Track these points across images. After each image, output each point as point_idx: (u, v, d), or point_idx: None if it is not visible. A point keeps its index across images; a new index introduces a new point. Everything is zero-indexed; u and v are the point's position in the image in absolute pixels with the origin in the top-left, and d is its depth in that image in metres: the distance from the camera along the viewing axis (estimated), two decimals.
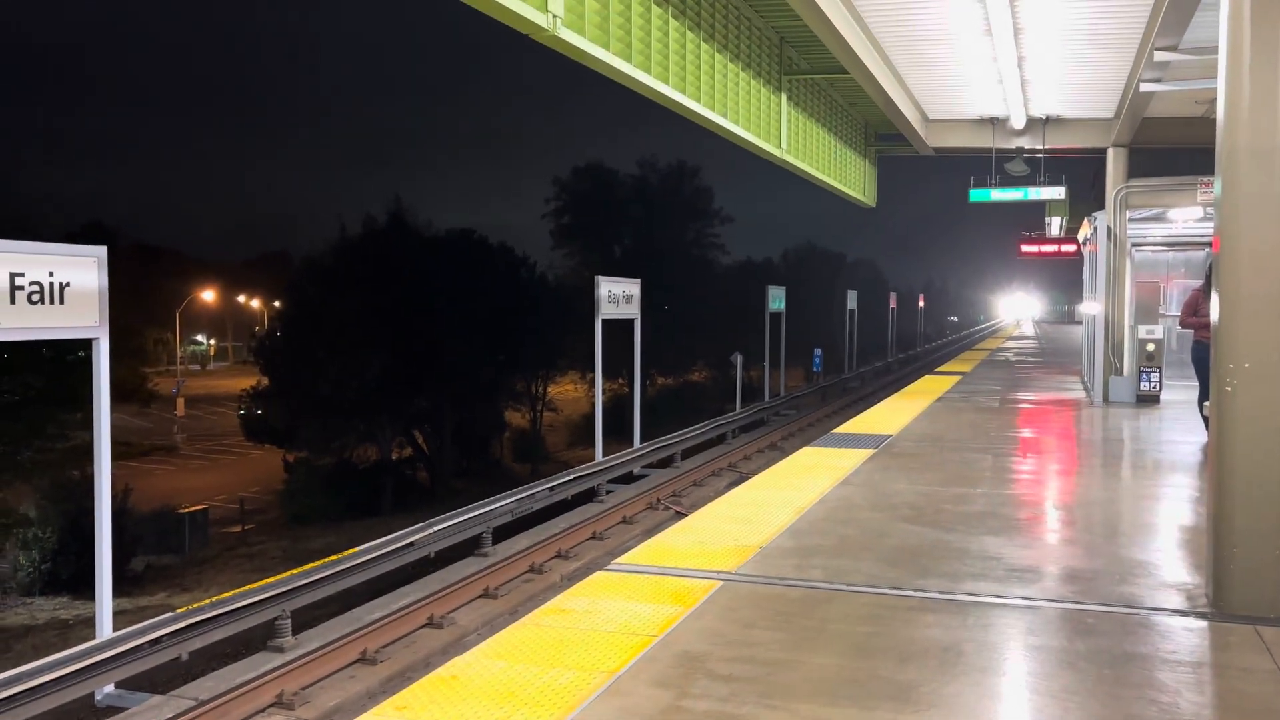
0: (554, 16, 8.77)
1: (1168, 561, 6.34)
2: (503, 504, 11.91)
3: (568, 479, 13.70)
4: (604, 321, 15.17)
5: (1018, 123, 18.93)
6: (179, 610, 7.58)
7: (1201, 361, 11.23)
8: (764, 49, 15.45)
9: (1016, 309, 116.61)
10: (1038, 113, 18.65)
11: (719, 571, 6.01)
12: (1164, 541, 6.95)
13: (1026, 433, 12.73)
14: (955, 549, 6.56)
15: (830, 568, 6.11)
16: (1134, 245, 16.86)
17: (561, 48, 9.43)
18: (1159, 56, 11.38)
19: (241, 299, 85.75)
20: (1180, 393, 15.22)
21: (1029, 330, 65.55)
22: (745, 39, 14.53)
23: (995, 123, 19.44)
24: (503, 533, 11.82)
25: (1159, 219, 17.06)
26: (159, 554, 25.59)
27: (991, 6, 11.85)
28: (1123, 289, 16.41)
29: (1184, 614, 5.24)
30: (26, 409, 21.54)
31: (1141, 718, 3.94)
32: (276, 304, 61.02)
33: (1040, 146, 19.52)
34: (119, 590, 13.30)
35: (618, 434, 21.31)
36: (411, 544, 10.14)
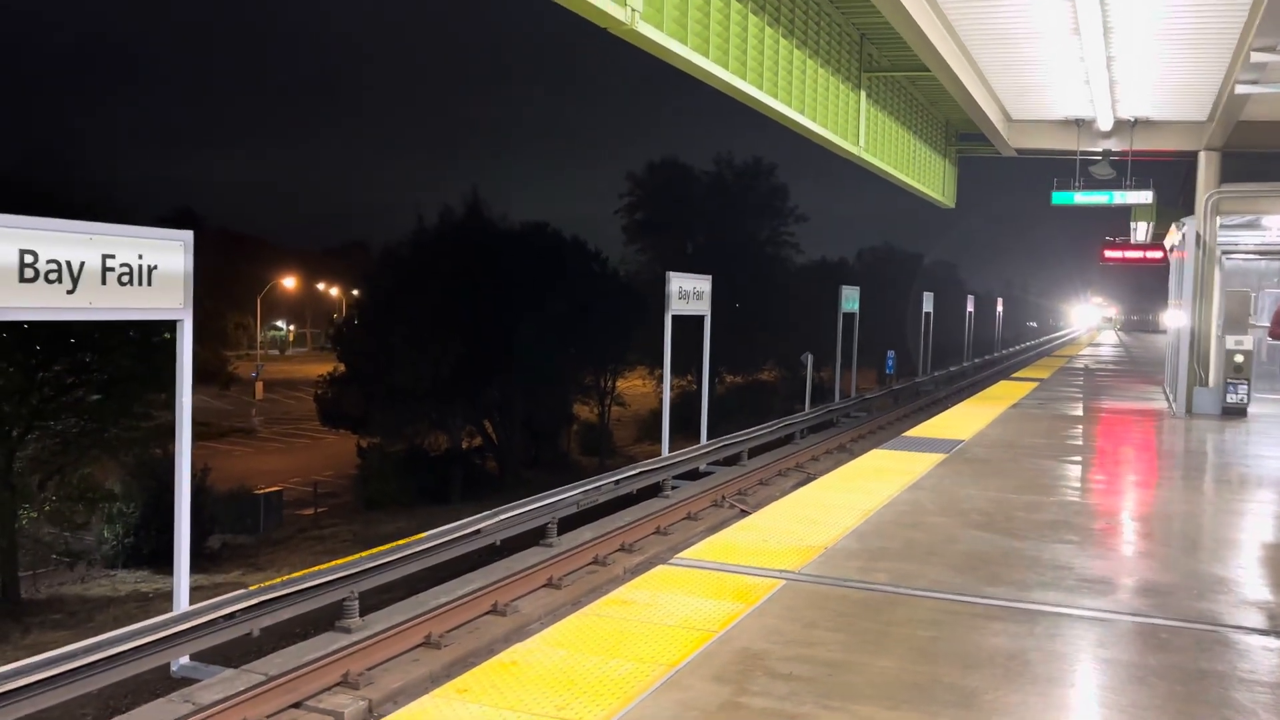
0: (633, 10, 8.78)
1: (1249, 579, 6.14)
2: (569, 495, 11.98)
3: (633, 473, 13.74)
4: (674, 317, 15.16)
5: (1104, 124, 18.43)
6: (252, 587, 7.78)
7: None
8: (844, 45, 15.28)
9: (1093, 316, 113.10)
10: (1126, 114, 18.14)
11: (782, 570, 5.98)
12: (1245, 558, 6.72)
13: (1104, 442, 12.42)
14: (1025, 557, 6.43)
15: (896, 571, 6.03)
16: (1224, 253, 16.34)
17: (639, 42, 9.44)
18: (1256, 57, 10.98)
19: (321, 287, 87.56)
20: (1269, 406, 14.72)
21: (1110, 338, 63.87)
22: (825, 35, 14.39)
23: (1081, 124, 18.95)
24: (568, 524, 11.90)
25: (1252, 226, 16.50)
26: (235, 533, 26.26)
27: (1081, 4, 11.56)
28: (1211, 297, 15.90)
29: (1264, 633, 5.07)
30: (115, 388, 22.23)
31: None
32: (355, 292, 62.15)
33: (1127, 149, 18.99)
34: (196, 566, 13.69)
35: (684, 430, 21.31)
36: (478, 531, 10.26)
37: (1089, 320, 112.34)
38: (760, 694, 4.13)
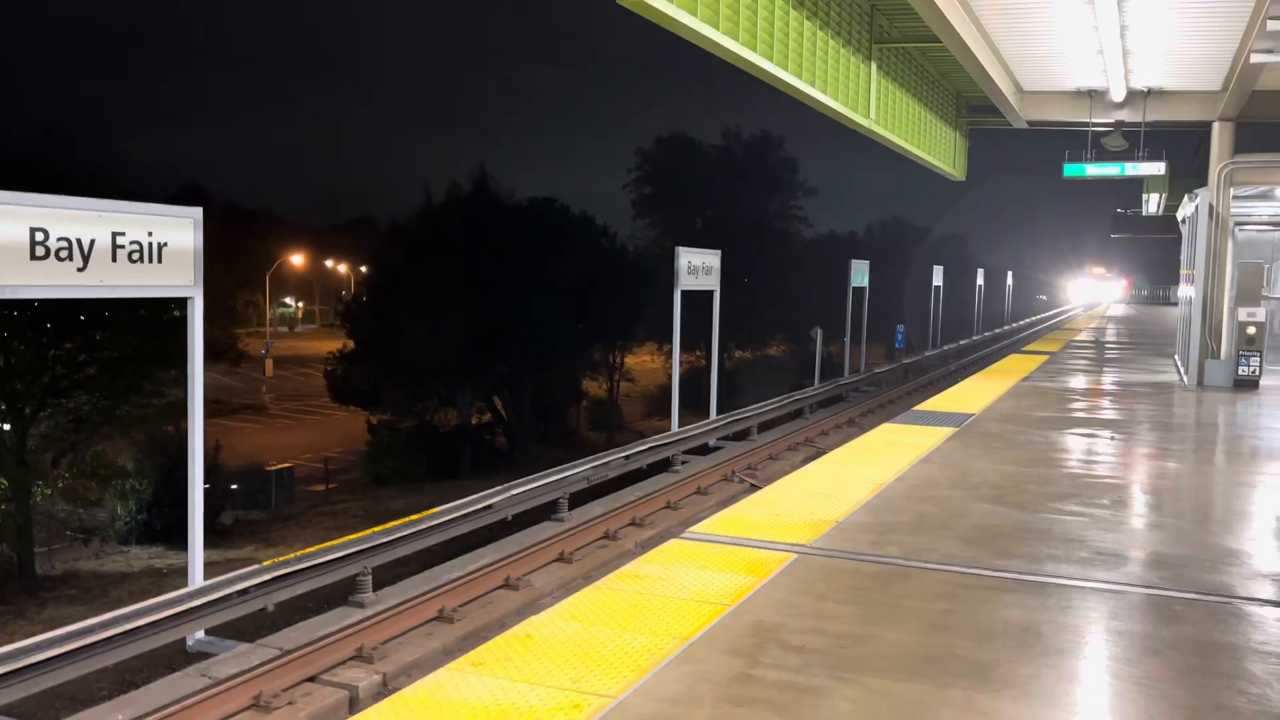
0: None
1: (1262, 550, 6.13)
2: (579, 470, 12.00)
3: (643, 448, 13.75)
4: (683, 293, 15.13)
5: (1117, 95, 18.26)
6: (266, 563, 7.82)
7: None
8: (854, 16, 15.15)
9: (1100, 290, 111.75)
10: (1139, 85, 17.96)
11: (793, 544, 5.99)
12: (1258, 530, 6.71)
13: (1115, 415, 12.39)
14: (1036, 530, 6.43)
15: (907, 545, 6.04)
16: (1237, 224, 16.23)
17: (648, 13, 9.37)
18: (1273, 25, 10.86)
19: (329, 263, 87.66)
20: None
21: (1119, 311, 63.63)
22: (835, 6, 14.26)
23: (1093, 95, 18.78)
24: (579, 499, 11.94)
25: (1266, 197, 16.37)
26: (247, 509, 26.45)
27: None
28: (1223, 269, 15.82)
29: (1277, 605, 5.07)
30: (126, 366, 22.33)
31: (1230, 708, 3.83)
32: (363, 269, 62.24)
33: (1140, 120, 18.82)
34: (208, 542, 13.74)
35: (694, 406, 21.30)
36: (489, 507, 10.29)
37: (1094, 295, 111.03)
38: (773, 666, 4.15)
